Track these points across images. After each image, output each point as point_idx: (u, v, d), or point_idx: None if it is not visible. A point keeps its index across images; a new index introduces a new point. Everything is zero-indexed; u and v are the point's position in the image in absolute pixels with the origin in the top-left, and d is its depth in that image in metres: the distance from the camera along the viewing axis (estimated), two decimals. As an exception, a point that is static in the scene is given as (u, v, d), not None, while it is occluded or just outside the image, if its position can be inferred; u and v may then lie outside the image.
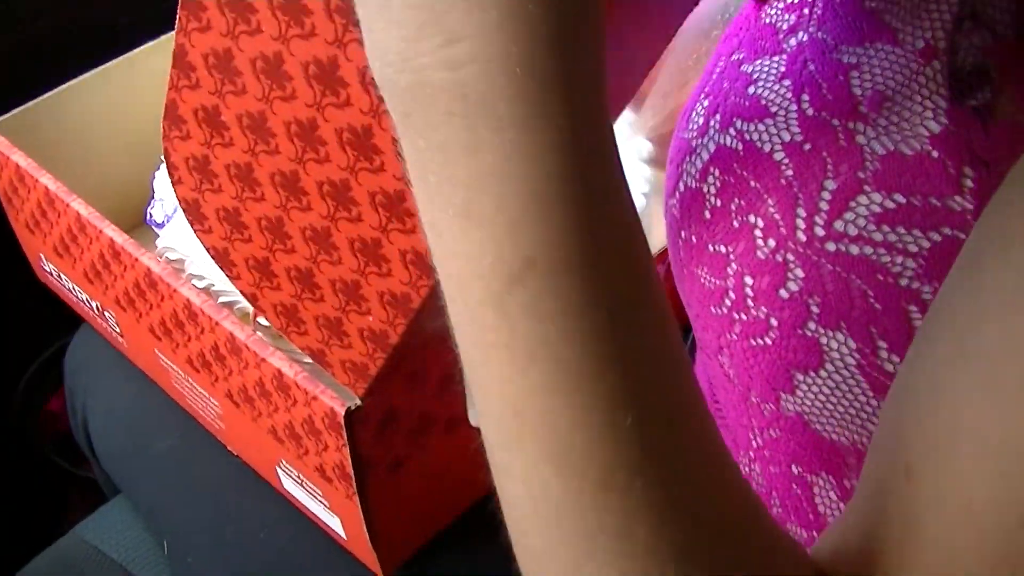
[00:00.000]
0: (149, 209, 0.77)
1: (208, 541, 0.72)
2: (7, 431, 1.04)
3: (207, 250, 0.52)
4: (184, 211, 0.52)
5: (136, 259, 0.67)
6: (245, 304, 0.69)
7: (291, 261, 0.49)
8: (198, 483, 0.74)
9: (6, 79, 0.88)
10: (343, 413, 0.54)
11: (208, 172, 0.49)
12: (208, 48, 0.44)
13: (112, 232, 0.69)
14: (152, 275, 0.66)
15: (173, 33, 0.84)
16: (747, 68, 0.40)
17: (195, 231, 0.52)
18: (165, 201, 0.76)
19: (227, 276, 0.52)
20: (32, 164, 0.75)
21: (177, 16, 0.43)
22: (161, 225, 0.75)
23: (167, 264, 0.73)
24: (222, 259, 0.52)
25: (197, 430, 0.74)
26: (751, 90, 0.39)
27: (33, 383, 1.04)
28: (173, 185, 0.51)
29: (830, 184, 0.34)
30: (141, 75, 0.85)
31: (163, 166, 0.79)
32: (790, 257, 0.35)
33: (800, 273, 0.36)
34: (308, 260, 0.48)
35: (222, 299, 0.70)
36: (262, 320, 0.66)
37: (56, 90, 0.81)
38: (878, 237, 0.34)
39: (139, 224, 0.83)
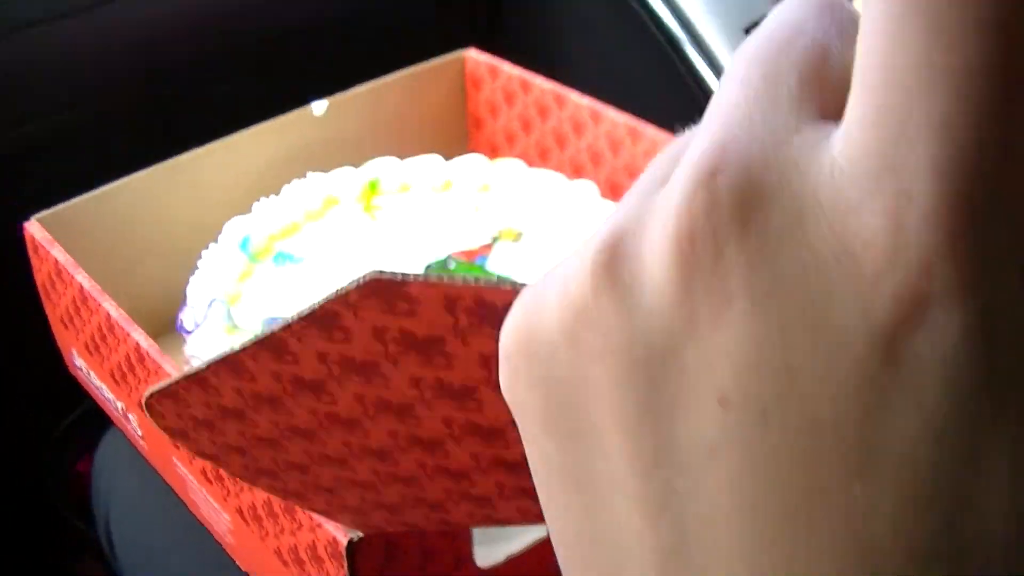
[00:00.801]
0: (180, 315, 0.77)
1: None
2: (33, 489, 1.04)
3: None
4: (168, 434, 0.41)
5: (159, 366, 0.67)
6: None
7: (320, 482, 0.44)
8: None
9: (50, 169, 0.90)
10: (345, 543, 0.52)
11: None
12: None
13: (139, 336, 0.69)
14: (173, 383, 0.66)
15: (225, 140, 0.86)
16: None
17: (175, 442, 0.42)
18: (196, 308, 0.76)
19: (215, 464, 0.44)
20: (70, 261, 0.75)
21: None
22: (190, 332, 0.75)
23: (192, 370, 0.73)
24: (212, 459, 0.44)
25: (212, 546, 0.73)
26: None
27: (62, 442, 1.04)
28: (150, 415, 0.40)
29: None
30: (188, 180, 0.86)
31: (198, 272, 0.80)
32: None
33: None
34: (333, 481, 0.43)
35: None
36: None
37: (101, 188, 0.82)
38: None
39: (172, 329, 0.83)
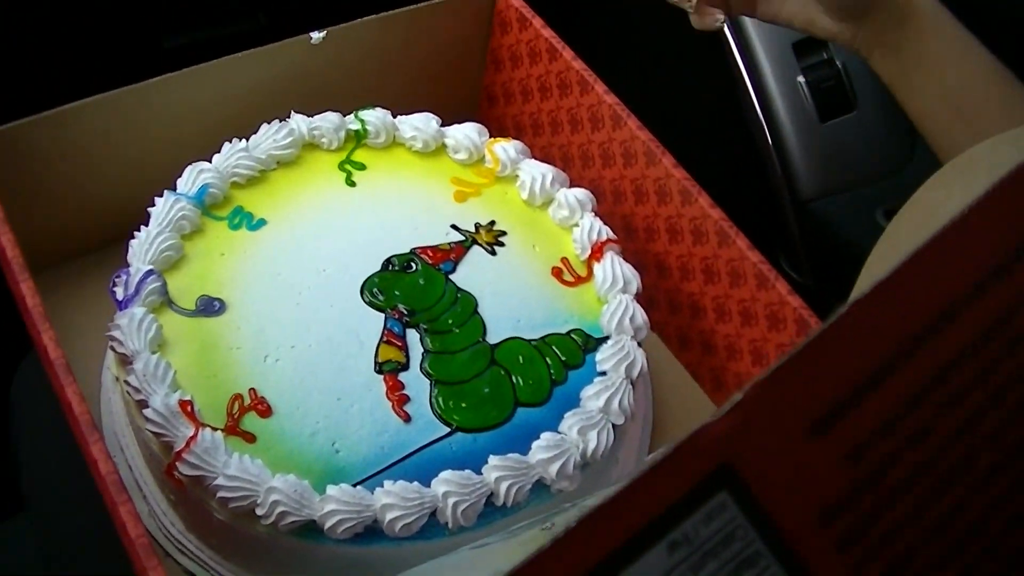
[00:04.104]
0: (115, 278, 0.72)
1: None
2: None
3: None
4: None
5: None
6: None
7: None
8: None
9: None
10: None
11: None
12: None
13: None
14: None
15: (202, 66, 0.78)
16: None
17: None
18: (131, 278, 0.71)
19: None
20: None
21: None
22: (121, 304, 0.71)
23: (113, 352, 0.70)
24: None
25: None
26: None
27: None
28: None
29: None
30: (163, 102, 0.79)
31: (143, 232, 0.74)
32: None
33: None
34: None
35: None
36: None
37: (69, 104, 0.76)
38: None
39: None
